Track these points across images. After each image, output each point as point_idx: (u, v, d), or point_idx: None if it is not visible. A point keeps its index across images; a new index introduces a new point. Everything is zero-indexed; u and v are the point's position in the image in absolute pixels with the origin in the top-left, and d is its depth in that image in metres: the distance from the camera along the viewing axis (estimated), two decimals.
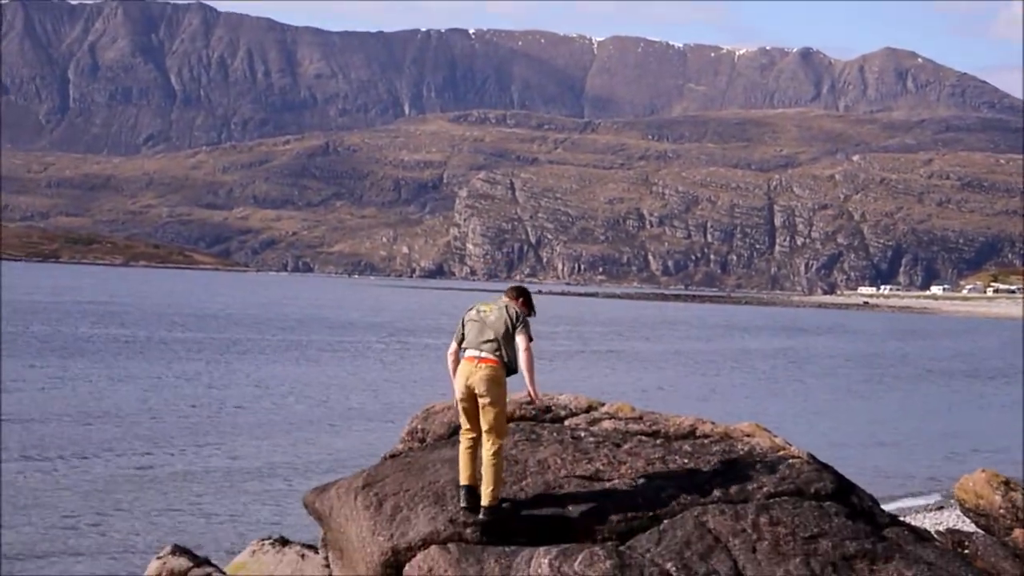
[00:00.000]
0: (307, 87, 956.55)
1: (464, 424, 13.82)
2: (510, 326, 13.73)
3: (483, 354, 13.61)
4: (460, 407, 13.84)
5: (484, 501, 13.41)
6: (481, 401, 13.59)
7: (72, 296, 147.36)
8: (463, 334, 13.98)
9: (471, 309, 14.08)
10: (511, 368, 13.76)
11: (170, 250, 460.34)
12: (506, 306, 13.94)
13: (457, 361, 14.01)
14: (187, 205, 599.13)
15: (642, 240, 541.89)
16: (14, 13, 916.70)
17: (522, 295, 14.29)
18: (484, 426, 13.58)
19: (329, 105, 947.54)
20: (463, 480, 13.72)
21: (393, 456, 16.13)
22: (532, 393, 14.11)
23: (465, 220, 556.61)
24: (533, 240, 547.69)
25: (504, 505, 13.51)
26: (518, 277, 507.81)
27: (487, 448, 13.54)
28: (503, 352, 13.63)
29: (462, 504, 13.63)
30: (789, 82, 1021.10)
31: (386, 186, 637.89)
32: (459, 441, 13.98)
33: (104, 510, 26.86)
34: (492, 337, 13.64)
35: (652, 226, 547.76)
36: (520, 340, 13.73)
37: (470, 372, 13.65)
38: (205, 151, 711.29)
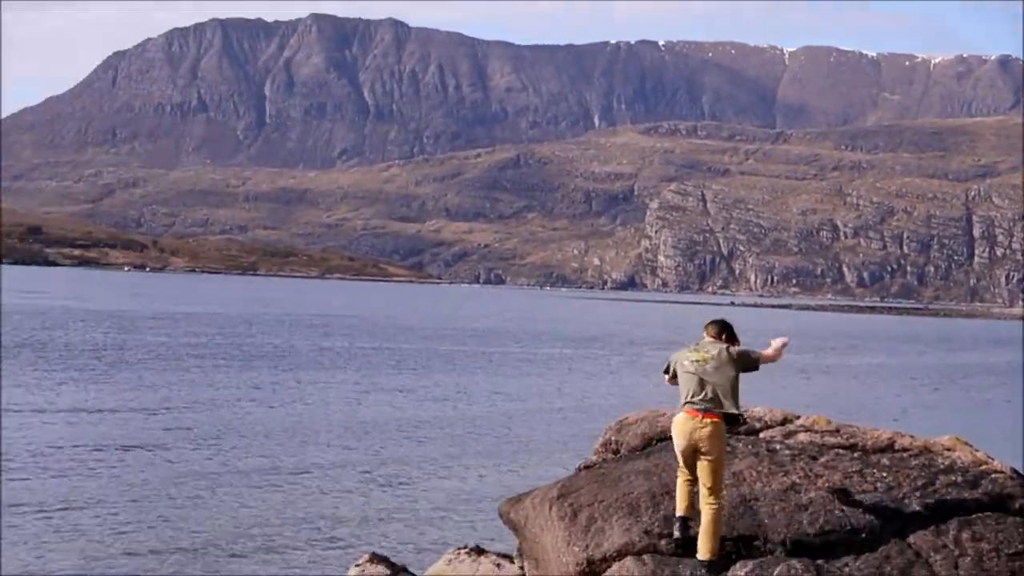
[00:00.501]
0: (498, 100, 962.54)
1: (684, 472, 13.66)
2: (732, 372, 13.50)
3: (706, 408, 13.39)
4: (680, 457, 13.68)
5: (704, 556, 13.23)
6: (704, 458, 13.40)
7: (309, 309, 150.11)
8: (675, 376, 13.78)
9: (683, 356, 13.79)
10: (733, 417, 13.55)
11: (365, 262, 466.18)
12: (720, 352, 13.62)
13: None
14: (381, 218, 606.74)
15: (836, 251, 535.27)
16: (213, 32, 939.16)
17: (725, 331, 14.04)
18: (706, 482, 13.38)
19: (520, 118, 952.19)
20: (680, 511, 13.60)
21: (587, 467, 16.17)
22: (773, 351, 13.87)
23: (656, 232, 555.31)
24: (725, 252, 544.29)
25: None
26: (710, 289, 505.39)
27: (708, 505, 13.34)
28: (725, 405, 13.42)
29: (676, 535, 13.48)
30: (987, 90, 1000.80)
31: (577, 198, 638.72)
32: (677, 474, 13.80)
33: (300, 519, 27.32)
34: (713, 395, 13.41)
35: (846, 237, 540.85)
36: (752, 359, 13.57)
37: (693, 428, 13.40)
38: (398, 164, 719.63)
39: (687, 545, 13.38)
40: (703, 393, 13.37)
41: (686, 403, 13.49)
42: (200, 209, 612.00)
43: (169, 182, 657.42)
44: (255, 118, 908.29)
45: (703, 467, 13.35)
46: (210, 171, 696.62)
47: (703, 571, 13.08)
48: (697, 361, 13.54)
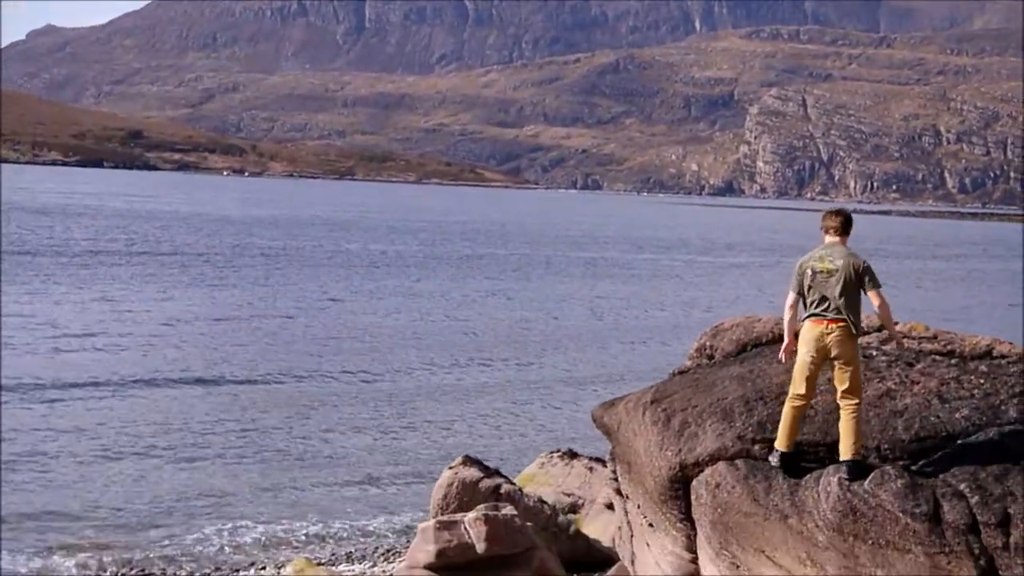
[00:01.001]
0: (598, 5, 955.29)
1: (799, 389, 13.33)
2: (857, 285, 13.33)
3: (832, 315, 13.22)
4: (804, 371, 13.40)
5: (847, 455, 13.11)
6: (838, 363, 13.22)
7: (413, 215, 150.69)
8: (802, 289, 13.54)
9: (808, 265, 13.57)
10: (857, 328, 13.39)
11: (461, 168, 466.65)
12: (850, 263, 13.41)
13: (795, 316, 13.61)
14: (478, 123, 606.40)
15: (938, 157, 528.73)
16: None
17: (849, 224, 13.84)
18: (843, 387, 13.19)
19: (620, 22, 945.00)
20: (783, 446, 13.31)
21: (681, 372, 16.14)
22: (898, 340, 13.89)
23: (756, 137, 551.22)
24: (825, 158, 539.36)
25: (864, 457, 13.22)
26: (809, 196, 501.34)
27: (849, 409, 13.17)
28: (850, 313, 13.25)
29: (775, 464, 13.29)
30: None
31: (676, 103, 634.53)
32: (787, 403, 13.49)
33: (400, 420, 27.60)
34: (840, 303, 13.23)
35: (949, 143, 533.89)
36: (873, 296, 13.38)
37: (822, 333, 13.21)
38: (496, 70, 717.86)
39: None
40: (826, 304, 13.23)
41: (811, 314, 13.34)
42: (299, 114, 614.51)
43: (268, 87, 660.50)
44: (355, 23, 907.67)
45: (839, 373, 13.20)
46: (309, 76, 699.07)
47: (845, 471, 13.01)
48: (821, 272, 13.36)
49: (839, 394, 13.13)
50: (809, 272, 13.24)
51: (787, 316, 13.50)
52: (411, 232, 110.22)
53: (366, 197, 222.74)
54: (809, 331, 13.17)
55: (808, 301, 13.26)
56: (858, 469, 12.82)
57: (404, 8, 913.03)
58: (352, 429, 26.84)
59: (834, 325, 13.06)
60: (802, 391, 13.14)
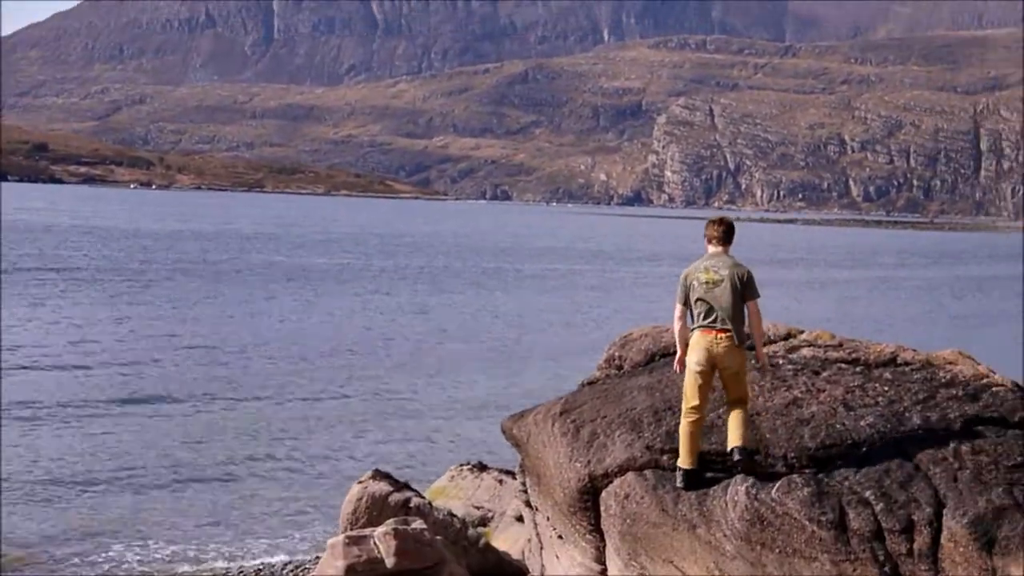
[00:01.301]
0: (507, 15, 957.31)
1: (692, 401, 13.31)
2: (741, 294, 13.37)
3: (720, 325, 13.25)
4: (695, 382, 13.40)
5: (739, 442, 13.13)
6: (726, 372, 13.26)
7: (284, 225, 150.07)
8: (688, 300, 13.51)
9: (694, 275, 13.53)
10: (742, 337, 13.42)
11: (371, 179, 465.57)
12: (735, 272, 13.45)
13: (684, 326, 13.63)
14: (388, 134, 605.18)
15: (843, 166, 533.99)
16: None
17: (732, 233, 13.88)
18: (732, 396, 13.27)
19: (529, 32, 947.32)
20: (686, 463, 13.26)
21: (591, 383, 16.19)
22: (760, 356, 13.82)
23: (664, 147, 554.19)
24: (732, 167, 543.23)
25: (756, 456, 13.25)
26: (716, 204, 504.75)
27: (738, 410, 13.25)
28: (736, 323, 13.30)
29: (679, 485, 13.25)
30: (998, 1, 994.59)
31: (585, 113, 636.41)
32: (682, 419, 13.43)
33: (310, 435, 27.48)
34: (727, 314, 13.25)
35: (853, 151, 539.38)
36: (751, 305, 13.42)
37: (711, 342, 13.26)
38: (406, 80, 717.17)
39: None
40: (713, 316, 13.28)
41: (699, 325, 13.37)
42: (207, 126, 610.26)
43: (176, 99, 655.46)
44: (263, 33, 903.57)
45: (727, 380, 13.27)
46: (217, 87, 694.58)
47: (736, 454, 13.05)
48: (707, 283, 13.40)
49: (728, 403, 13.24)
50: (695, 283, 13.32)
51: (676, 327, 13.59)
52: (321, 244, 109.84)
53: (276, 209, 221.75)
54: (698, 342, 13.24)
55: (695, 312, 13.33)
56: (748, 455, 12.94)
57: (312, 19, 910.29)
58: (262, 445, 26.70)
59: (722, 335, 13.14)
60: (695, 403, 13.19)
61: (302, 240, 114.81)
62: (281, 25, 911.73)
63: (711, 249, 13.62)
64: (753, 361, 13.88)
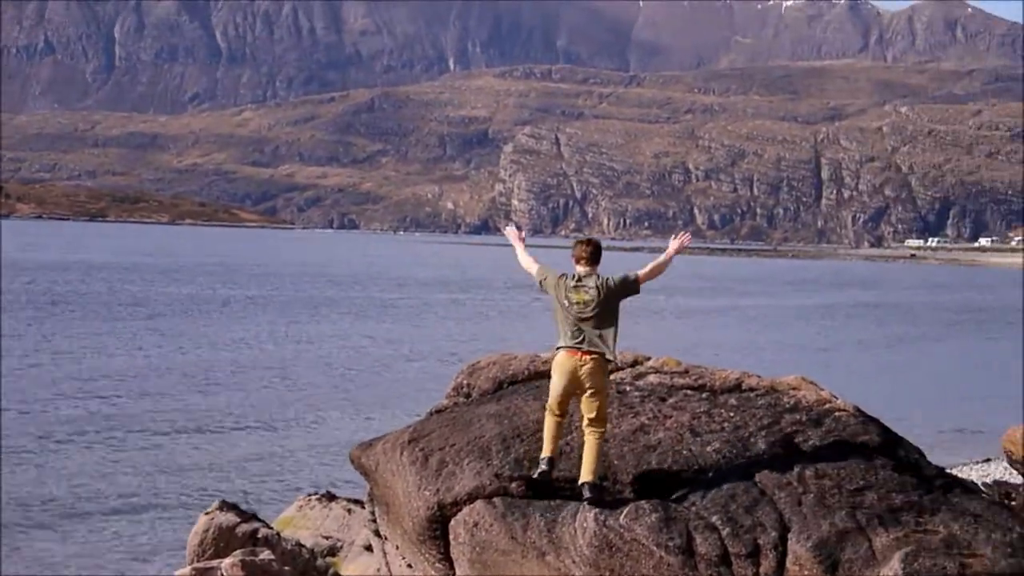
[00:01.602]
0: (352, 43, 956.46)
1: (555, 410, 13.43)
2: (615, 304, 13.46)
3: (586, 347, 13.28)
4: (558, 398, 13.44)
5: (587, 477, 13.16)
6: (588, 392, 13.28)
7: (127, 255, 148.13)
8: (555, 299, 13.54)
9: (561, 290, 13.52)
10: (608, 360, 13.47)
11: (216, 208, 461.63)
12: (600, 292, 13.49)
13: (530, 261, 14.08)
14: (233, 163, 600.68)
15: (688, 194, 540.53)
16: None
17: (599, 253, 13.97)
18: (590, 415, 13.27)
19: (374, 61, 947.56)
20: (547, 452, 13.40)
21: (439, 411, 16.15)
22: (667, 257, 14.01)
23: (511, 175, 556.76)
24: (578, 195, 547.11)
25: (605, 484, 13.30)
26: (563, 233, 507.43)
27: (592, 433, 13.28)
28: (604, 344, 13.33)
29: (541, 469, 13.31)
30: (837, 33, 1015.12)
31: (431, 142, 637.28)
32: (547, 414, 13.56)
33: (153, 468, 27.09)
34: (594, 335, 13.28)
35: (698, 180, 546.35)
36: (632, 284, 13.53)
37: (576, 366, 13.29)
38: (251, 108, 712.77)
39: (544, 487, 13.38)
40: (581, 337, 13.30)
41: (564, 346, 13.41)
42: (47, 154, 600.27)
43: (15, 127, 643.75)
44: (104, 61, 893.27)
45: (587, 402, 13.29)
46: (58, 115, 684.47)
47: (586, 491, 13.09)
48: (577, 303, 13.41)
49: (585, 422, 13.29)
50: (565, 302, 13.35)
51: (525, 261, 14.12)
52: (165, 273, 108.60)
53: (119, 239, 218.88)
54: (563, 363, 13.28)
55: (561, 330, 13.38)
56: (598, 490, 13.00)
57: (155, 46, 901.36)
58: (106, 475, 26.26)
59: (587, 357, 13.21)
60: (558, 412, 13.29)
61: (147, 270, 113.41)
62: (123, 53, 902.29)
63: (580, 269, 13.67)
64: (628, 387, 13.92)
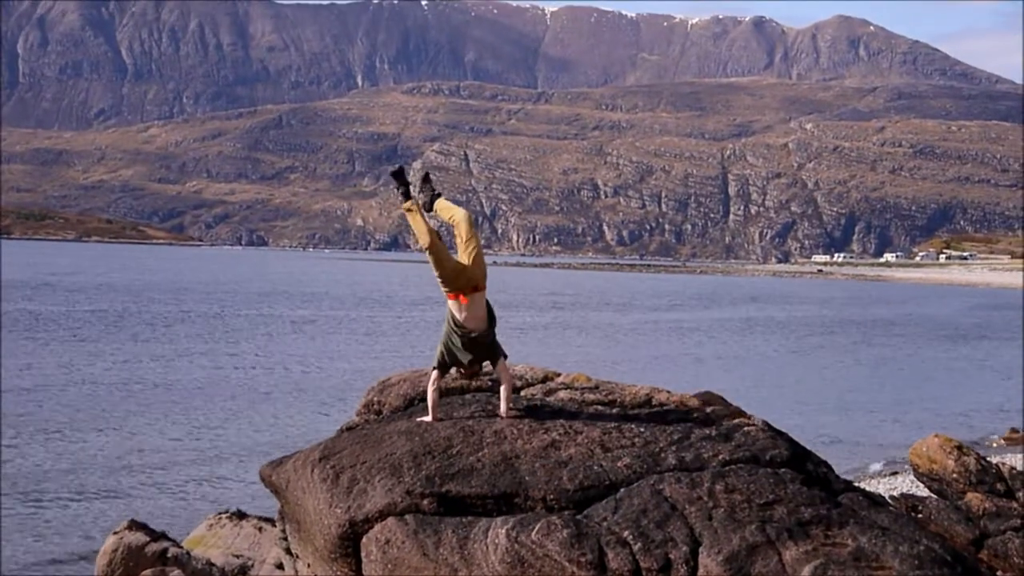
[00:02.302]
0: (259, 60, 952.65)
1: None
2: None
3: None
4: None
5: None
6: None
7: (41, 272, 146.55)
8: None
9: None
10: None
11: (123, 225, 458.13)
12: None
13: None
14: (140, 179, 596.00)
15: (597, 210, 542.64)
16: None
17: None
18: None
19: (282, 78, 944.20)
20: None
21: (349, 428, 16.13)
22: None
23: (420, 192, 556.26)
24: (488, 211, 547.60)
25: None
26: None
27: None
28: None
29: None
30: (742, 51, 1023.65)
31: (340, 158, 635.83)
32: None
33: (60, 488, 26.79)
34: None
35: (607, 196, 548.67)
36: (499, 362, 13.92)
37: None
38: (157, 125, 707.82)
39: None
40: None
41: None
42: None
43: None
44: (8, 77, 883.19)
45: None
46: None
47: None
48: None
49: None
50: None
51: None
52: (72, 291, 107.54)
53: (24, 256, 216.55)
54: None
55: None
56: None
57: (59, 62, 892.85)
58: (11, 498, 25.93)
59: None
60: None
61: (53, 287, 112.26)
62: (26, 68, 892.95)
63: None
64: (539, 403, 14.12)
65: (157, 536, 17.73)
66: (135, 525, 17.92)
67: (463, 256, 13.85)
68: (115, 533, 17.72)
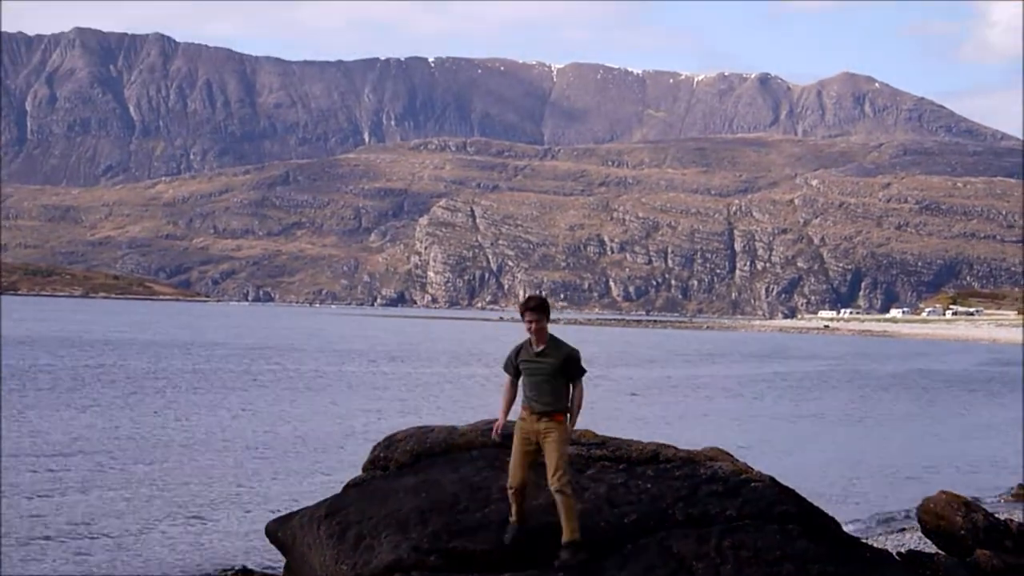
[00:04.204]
0: (267, 116, 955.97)
1: (516, 474, 13.64)
2: (570, 374, 13.77)
3: (547, 409, 13.52)
4: (519, 459, 13.60)
5: (570, 536, 13.32)
6: (549, 448, 13.51)
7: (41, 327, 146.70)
8: (518, 371, 13.86)
9: (522, 353, 13.93)
10: (562, 412, 13.75)
11: (130, 281, 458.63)
12: (566, 356, 13.85)
13: (513, 395, 13.99)
14: (147, 235, 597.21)
15: (603, 266, 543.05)
16: None
17: (548, 308, 14.43)
18: (553, 472, 13.54)
19: (289, 134, 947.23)
20: (515, 519, 13.68)
21: (356, 484, 16.12)
22: (569, 430, 14.16)
23: (426, 248, 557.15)
24: (494, 267, 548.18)
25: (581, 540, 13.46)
26: (479, 305, 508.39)
27: (562, 491, 13.45)
28: (563, 402, 13.61)
29: (508, 538, 13.46)
30: (748, 107, 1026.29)
31: (347, 215, 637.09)
32: (505, 489, 13.71)
33: (57, 548, 26.69)
34: (552, 394, 13.52)
35: (613, 252, 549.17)
36: (576, 384, 13.79)
37: (534, 427, 13.53)
38: (165, 181, 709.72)
39: (464, 561, 13.38)
40: (544, 395, 13.58)
41: (526, 406, 13.75)
42: None
43: None
44: (16, 134, 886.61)
45: (548, 456, 13.55)
46: None
47: (570, 551, 13.19)
48: (538, 364, 13.70)
49: (552, 482, 13.44)
50: (522, 363, 13.57)
51: (504, 396, 13.89)
52: (75, 346, 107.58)
53: (31, 312, 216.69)
54: (524, 424, 13.45)
55: (526, 393, 13.59)
56: (578, 548, 13.12)
57: (68, 119, 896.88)
58: (7, 554, 25.85)
59: (547, 420, 13.37)
60: (519, 476, 13.42)
61: (58, 342, 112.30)
62: (34, 125, 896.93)
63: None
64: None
65: None
66: None
67: None
68: None
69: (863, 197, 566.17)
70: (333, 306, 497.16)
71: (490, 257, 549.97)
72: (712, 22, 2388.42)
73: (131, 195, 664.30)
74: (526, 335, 14.45)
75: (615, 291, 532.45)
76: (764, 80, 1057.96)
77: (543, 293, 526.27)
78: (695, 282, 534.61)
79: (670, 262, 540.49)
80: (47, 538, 27.04)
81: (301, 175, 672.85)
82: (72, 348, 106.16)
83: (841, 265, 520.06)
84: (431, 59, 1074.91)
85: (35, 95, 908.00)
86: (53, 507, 30.68)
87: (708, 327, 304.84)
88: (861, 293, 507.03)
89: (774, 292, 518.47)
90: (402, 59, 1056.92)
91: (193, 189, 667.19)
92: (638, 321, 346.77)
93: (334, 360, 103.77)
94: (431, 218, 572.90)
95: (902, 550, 15.65)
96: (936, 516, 15.87)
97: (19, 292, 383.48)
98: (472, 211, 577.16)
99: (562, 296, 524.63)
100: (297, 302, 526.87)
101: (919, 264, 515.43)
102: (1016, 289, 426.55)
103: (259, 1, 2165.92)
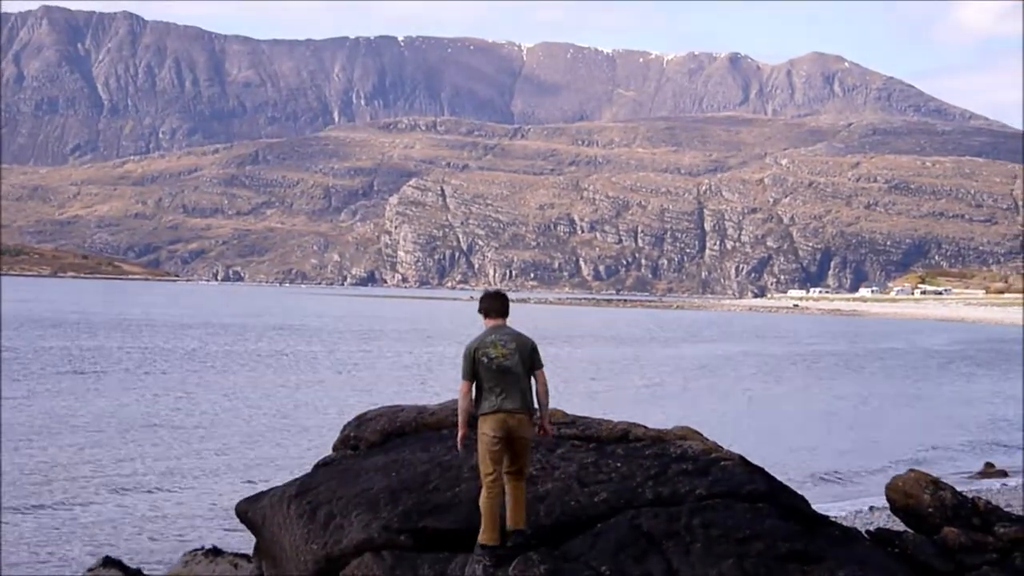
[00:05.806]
0: (236, 95, 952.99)
1: (489, 469, 13.26)
2: (530, 365, 13.62)
3: (517, 406, 13.28)
4: (491, 450, 13.31)
5: (516, 525, 13.21)
6: (519, 443, 13.29)
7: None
8: (478, 377, 13.42)
9: (482, 349, 13.47)
10: (531, 407, 13.55)
11: (99, 260, 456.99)
12: (520, 345, 13.63)
13: (470, 401, 13.47)
14: (116, 215, 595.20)
15: (573, 245, 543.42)
16: None
17: (507, 304, 14.11)
18: (518, 468, 13.29)
19: (259, 113, 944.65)
20: (492, 540, 13.26)
21: (326, 464, 16.09)
22: (546, 429, 13.86)
23: (396, 227, 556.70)
24: (464, 247, 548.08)
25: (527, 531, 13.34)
26: (449, 284, 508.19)
27: (518, 485, 13.29)
28: (528, 398, 13.46)
29: (488, 565, 13.10)
30: (718, 87, 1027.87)
31: (316, 194, 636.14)
32: (483, 490, 13.39)
33: (32, 524, 26.62)
34: (520, 392, 13.34)
35: (583, 231, 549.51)
36: (539, 374, 13.62)
37: (505, 419, 13.26)
38: (133, 160, 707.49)
39: (438, 540, 13.36)
40: (512, 395, 13.36)
41: (493, 408, 13.34)
42: None
43: None
44: None
45: (520, 455, 13.34)
46: None
47: (518, 538, 13.12)
48: (497, 357, 13.46)
49: (507, 473, 13.28)
50: (484, 360, 13.36)
51: (462, 404, 13.58)
52: (43, 326, 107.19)
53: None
54: (496, 420, 13.27)
55: (487, 389, 13.37)
56: (524, 536, 13.05)
57: (36, 98, 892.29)
58: None
59: (519, 415, 13.23)
60: (492, 471, 13.23)
61: (30, 324, 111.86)
62: (2, 105, 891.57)
63: (489, 322, 13.72)
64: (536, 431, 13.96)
65: (132, 573, 17.63)
66: (110, 562, 17.84)
67: None
68: (90, 570, 17.63)
69: (832, 176, 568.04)
70: (303, 286, 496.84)
71: (460, 236, 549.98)
72: (682, 1, 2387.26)
73: (100, 174, 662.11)
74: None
75: (585, 270, 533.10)
76: (734, 59, 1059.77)
77: (513, 273, 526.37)
78: (665, 261, 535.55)
79: (640, 241, 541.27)
80: (13, 524, 26.98)
81: (271, 154, 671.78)
82: (53, 328, 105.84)
83: (811, 244, 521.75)
84: (401, 38, 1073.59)
85: (2, 74, 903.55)
86: (26, 489, 30.60)
87: (678, 306, 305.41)
88: (831, 272, 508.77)
89: (744, 271, 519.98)
90: (372, 38, 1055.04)
91: (162, 168, 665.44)
92: (608, 300, 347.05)
93: (303, 339, 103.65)
94: (401, 197, 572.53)
95: (871, 528, 15.70)
96: (904, 494, 15.93)
97: None
98: (442, 190, 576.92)
99: (532, 275, 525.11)
100: (266, 281, 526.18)
101: (888, 243, 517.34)
102: (984, 268, 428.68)
103: None
